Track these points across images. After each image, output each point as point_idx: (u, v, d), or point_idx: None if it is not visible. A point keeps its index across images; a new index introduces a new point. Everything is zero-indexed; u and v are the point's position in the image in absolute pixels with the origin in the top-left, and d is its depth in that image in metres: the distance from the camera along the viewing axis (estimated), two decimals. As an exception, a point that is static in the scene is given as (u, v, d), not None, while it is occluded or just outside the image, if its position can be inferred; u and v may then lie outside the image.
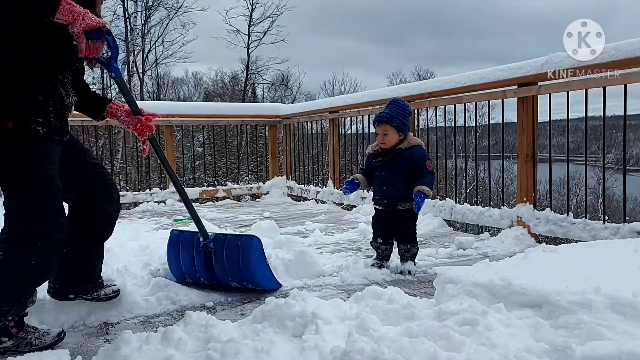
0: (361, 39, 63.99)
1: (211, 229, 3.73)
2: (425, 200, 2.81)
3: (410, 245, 3.00)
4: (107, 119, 2.33)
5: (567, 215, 3.44)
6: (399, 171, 2.93)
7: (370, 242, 3.13)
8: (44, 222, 1.88)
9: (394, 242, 3.07)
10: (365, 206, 5.19)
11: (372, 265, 2.99)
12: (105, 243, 2.41)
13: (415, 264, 3.01)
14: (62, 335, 2.03)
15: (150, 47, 21.38)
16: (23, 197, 1.86)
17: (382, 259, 3.04)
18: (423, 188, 2.81)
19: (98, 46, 1.75)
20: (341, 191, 5.93)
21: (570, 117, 3.57)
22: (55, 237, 1.92)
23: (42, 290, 2.30)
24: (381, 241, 3.03)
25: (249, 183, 8.22)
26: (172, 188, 6.46)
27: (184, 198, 2.52)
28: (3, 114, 1.79)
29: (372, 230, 3.11)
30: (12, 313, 1.87)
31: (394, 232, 3.02)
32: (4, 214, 1.88)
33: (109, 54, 1.82)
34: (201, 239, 2.55)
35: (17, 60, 1.77)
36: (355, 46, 60.63)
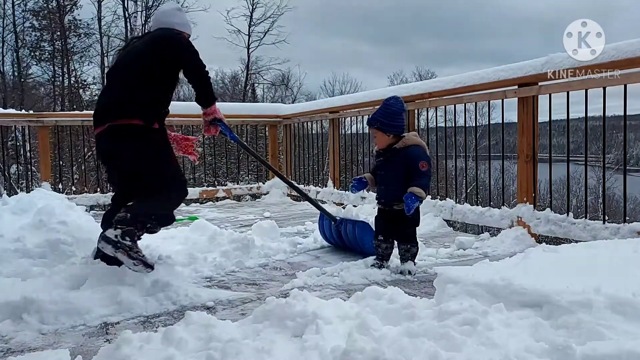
0: (362, 40, 63.98)
1: (211, 229, 3.75)
2: (417, 202, 2.79)
3: (410, 245, 2.99)
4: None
5: (567, 215, 3.44)
6: (395, 171, 2.92)
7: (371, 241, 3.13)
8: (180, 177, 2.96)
9: (395, 241, 3.06)
10: (365, 206, 5.19)
11: (372, 265, 2.99)
12: None
13: (415, 264, 3.01)
14: (153, 268, 2.61)
15: (151, 47, 21.35)
16: (162, 165, 2.80)
17: (382, 258, 3.03)
18: (414, 189, 2.79)
19: (214, 128, 3.06)
20: (341, 191, 5.96)
21: (570, 117, 3.57)
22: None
23: (39, 291, 2.30)
24: (381, 239, 3.02)
25: (249, 183, 8.22)
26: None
27: (301, 193, 3.78)
28: (151, 116, 2.78)
29: (374, 229, 3.11)
30: (153, 224, 2.76)
31: (394, 231, 3.02)
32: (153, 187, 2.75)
33: (222, 131, 3.08)
34: (332, 223, 3.59)
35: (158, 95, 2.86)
36: (356, 46, 60.61)
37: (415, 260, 3.04)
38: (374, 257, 3.08)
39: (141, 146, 2.73)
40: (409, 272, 2.93)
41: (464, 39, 63.68)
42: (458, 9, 59.64)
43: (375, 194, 3.12)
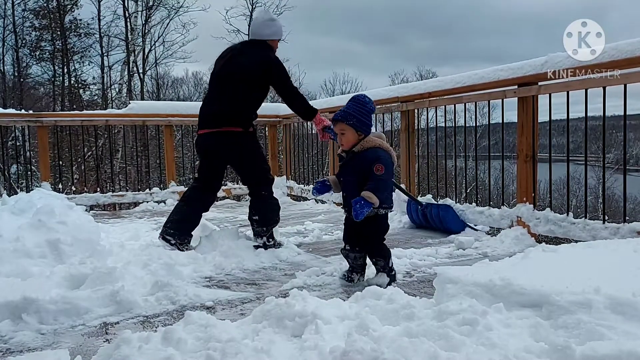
0: (359, 39, 63.93)
1: (210, 228, 3.75)
2: (367, 208, 2.49)
3: (376, 259, 2.74)
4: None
5: (567, 215, 3.44)
6: (352, 176, 2.67)
7: (340, 250, 2.85)
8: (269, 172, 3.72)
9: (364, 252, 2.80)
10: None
11: (341, 278, 2.78)
12: (105, 243, 2.98)
13: (392, 276, 2.75)
14: (280, 245, 3.54)
15: (151, 47, 21.33)
16: (263, 165, 3.64)
17: (352, 270, 2.77)
18: (364, 193, 2.51)
19: (326, 135, 3.53)
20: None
21: (570, 117, 3.57)
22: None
23: (38, 291, 2.30)
24: (348, 248, 2.76)
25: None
26: (172, 188, 6.44)
27: (402, 191, 4.51)
28: (248, 123, 3.53)
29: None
30: (272, 227, 3.57)
31: (359, 241, 2.74)
32: (257, 180, 3.60)
33: (332, 136, 3.36)
34: (419, 207, 4.40)
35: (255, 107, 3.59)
36: (355, 46, 60.59)
37: (393, 269, 2.78)
38: (347, 269, 2.82)
39: (244, 146, 3.50)
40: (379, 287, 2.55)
41: (459, 38, 63.62)
42: (454, 8, 59.61)
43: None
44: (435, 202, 4.32)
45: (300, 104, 3.59)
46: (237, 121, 3.46)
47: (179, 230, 3.43)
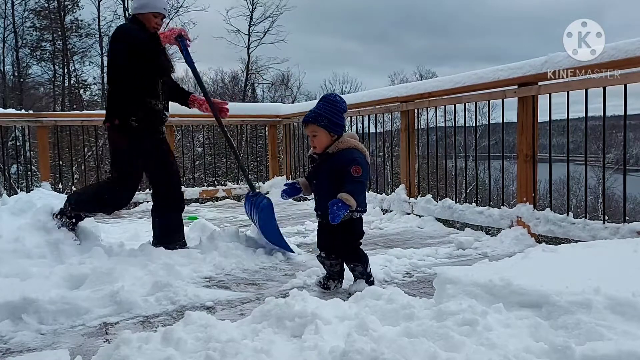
0: (362, 40, 63.96)
1: (210, 228, 3.75)
2: (344, 210, 2.36)
3: (354, 265, 2.62)
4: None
5: (567, 215, 3.44)
6: (326, 179, 2.55)
7: (317, 257, 2.74)
8: (127, 180, 3.30)
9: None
10: (365, 206, 5.18)
11: (316, 285, 2.68)
12: (105, 243, 3.01)
13: (370, 284, 2.55)
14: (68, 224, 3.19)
15: (151, 47, 21.29)
16: (124, 168, 3.27)
17: (328, 278, 2.67)
18: (342, 195, 2.38)
19: (177, 43, 3.42)
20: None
21: (570, 117, 3.57)
22: (133, 186, 3.38)
23: (38, 292, 2.30)
24: (324, 255, 2.65)
25: (249, 183, 8.20)
26: (172, 188, 6.43)
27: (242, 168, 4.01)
28: (113, 116, 3.22)
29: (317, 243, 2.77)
30: (74, 208, 3.19)
31: (334, 247, 2.63)
32: (111, 170, 3.36)
33: (181, 43, 3.44)
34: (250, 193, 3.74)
35: (123, 86, 3.22)
36: (355, 47, 60.64)
37: (371, 275, 2.66)
38: (323, 275, 2.72)
39: (111, 140, 3.32)
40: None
41: (459, 38, 63.59)
42: (453, 7, 59.62)
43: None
44: (263, 194, 3.55)
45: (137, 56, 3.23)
46: (108, 115, 3.28)
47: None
